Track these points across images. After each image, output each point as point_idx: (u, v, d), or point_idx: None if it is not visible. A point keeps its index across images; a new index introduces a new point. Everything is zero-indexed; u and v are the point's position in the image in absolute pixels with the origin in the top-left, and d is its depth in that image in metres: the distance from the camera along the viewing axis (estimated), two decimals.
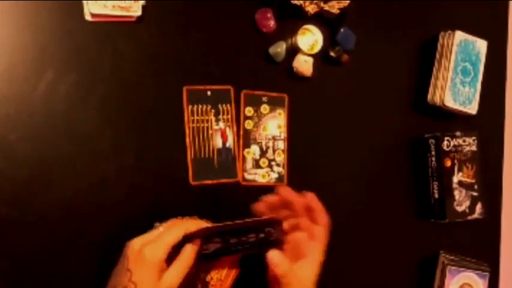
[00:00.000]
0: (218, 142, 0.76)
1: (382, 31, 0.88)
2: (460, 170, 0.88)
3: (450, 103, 0.87)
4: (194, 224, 0.65)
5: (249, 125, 0.79)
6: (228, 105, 0.77)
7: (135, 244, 0.62)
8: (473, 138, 0.90)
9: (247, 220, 0.64)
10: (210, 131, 0.76)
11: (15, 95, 0.67)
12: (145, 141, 0.73)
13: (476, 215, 0.90)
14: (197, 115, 0.76)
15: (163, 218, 0.69)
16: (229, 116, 0.77)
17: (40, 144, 0.68)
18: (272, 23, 0.79)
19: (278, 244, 0.66)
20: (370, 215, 0.87)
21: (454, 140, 0.88)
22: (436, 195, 0.88)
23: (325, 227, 0.68)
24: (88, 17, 0.70)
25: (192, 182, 0.75)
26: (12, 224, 0.66)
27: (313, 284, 0.67)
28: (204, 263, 0.71)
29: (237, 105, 0.78)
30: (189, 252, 0.64)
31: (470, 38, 0.89)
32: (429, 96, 0.89)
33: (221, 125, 0.77)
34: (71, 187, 0.69)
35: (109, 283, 0.63)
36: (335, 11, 0.81)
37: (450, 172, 0.88)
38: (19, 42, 0.67)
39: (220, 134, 0.77)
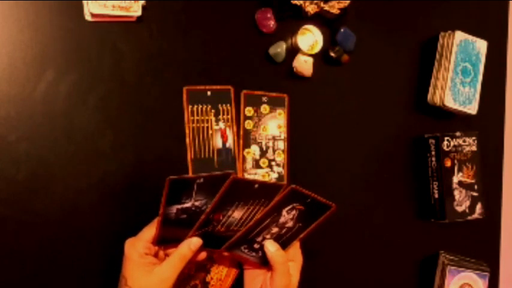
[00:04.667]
0: (218, 142, 0.76)
1: (382, 31, 0.88)
2: (460, 170, 0.88)
3: (450, 103, 0.87)
4: None
5: (249, 125, 0.79)
6: (228, 105, 0.77)
7: (127, 241, 0.64)
8: (473, 138, 0.90)
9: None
10: (210, 131, 0.76)
11: (16, 95, 0.67)
12: (145, 141, 0.73)
13: (476, 215, 0.90)
14: (197, 115, 0.76)
15: None
16: (229, 116, 0.77)
17: (40, 144, 0.68)
18: (272, 23, 0.79)
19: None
20: (370, 215, 0.87)
21: (454, 140, 0.88)
22: (436, 195, 0.88)
23: None
24: (88, 17, 0.70)
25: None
26: (12, 224, 0.66)
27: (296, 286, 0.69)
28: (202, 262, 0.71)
29: (237, 105, 0.78)
30: (185, 248, 0.64)
31: (470, 38, 0.89)
32: (429, 96, 0.89)
33: (221, 125, 0.77)
34: (71, 187, 0.69)
35: None
36: (335, 11, 0.81)
37: (450, 172, 0.88)
38: (19, 42, 0.67)
39: (220, 134, 0.77)
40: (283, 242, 0.68)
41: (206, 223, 0.64)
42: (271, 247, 0.67)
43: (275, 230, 0.66)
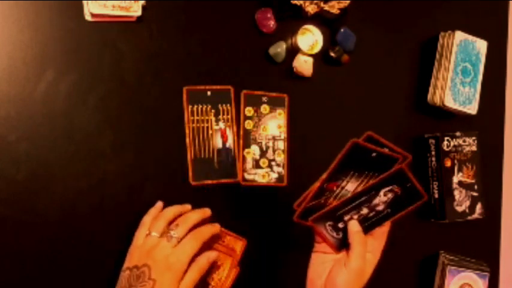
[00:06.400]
0: (218, 142, 0.76)
1: (382, 31, 0.88)
2: (460, 170, 0.88)
3: (450, 103, 0.87)
4: (207, 229, 0.69)
5: (249, 125, 0.79)
6: (228, 105, 0.77)
7: (157, 255, 0.64)
8: (473, 138, 0.90)
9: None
10: (210, 131, 0.76)
11: (16, 95, 0.67)
12: (145, 141, 0.73)
13: (476, 215, 0.90)
14: (197, 115, 0.76)
15: None
16: (229, 116, 0.77)
17: (40, 144, 0.68)
18: (272, 23, 0.79)
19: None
20: None
21: (454, 140, 0.88)
22: (436, 195, 0.88)
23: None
24: (88, 17, 0.70)
25: (192, 182, 0.75)
26: (12, 224, 0.66)
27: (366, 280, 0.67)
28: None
29: (237, 105, 0.78)
30: (203, 262, 0.67)
31: (470, 38, 0.89)
32: (429, 96, 0.89)
33: (221, 125, 0.77)
34: (71, 187, 0.69)
35: None
36: (335, 11, 0.81)
37: (450, 172, 0.88)
38: (19, 42, 0.67)
39: (220, 134, 0.77)
40: (367, 227, 0.67)
41: (320, 193, 0.65)
42: (354, 227, 0.66)
43: (365, 211, 0.66)
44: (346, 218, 0.67)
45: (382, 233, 0.68)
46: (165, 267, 0.63)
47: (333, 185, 0.65)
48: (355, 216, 0.67)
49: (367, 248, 0.67)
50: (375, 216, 0.67)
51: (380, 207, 0.66)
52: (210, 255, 0.68)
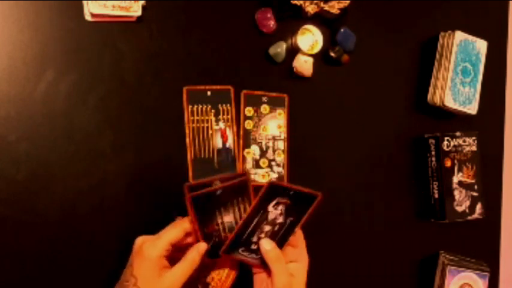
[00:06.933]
0: (218, 142, 0.76)
1: (382, 31, 0.89)
2: (460, 170, 0.88)
3: (450, 103, 0.87)
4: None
5: (249, 125, 0.79)
6: (228, 105, 0.77)
7: (139, 240, 0.63)
8: (473, 138, 0.90)
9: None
10: (210, 131, 0.76)
11: (16, 95, 0.67)
12: (145, 141, 0.73)
13: (476, 215, 0.90)
14: (197, 115, 0.76)
15: (162, 218, 0.69)
16: (229, 116, 0.77)
17: (40, 144, 0.68)
18: (272, 23, 0.79)
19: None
20: (370, 214, 0.87)
21: (454, 140, 0.88)
22: (436, 195, 0.88)
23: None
24: (88, 17, 0.70)
25: (192, 182, 0.75)
26: (12, 224, 0.66)
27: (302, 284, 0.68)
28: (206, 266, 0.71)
29: (237, 105, 0.78)
30: (194, 255, 0.65)
31: (470, 38, 0.89)
32: (429, 96, 0.89)
33: (221, 125, 0.77)
34: (71, 187, 0.69)
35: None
36: (335, 11, 0.81)
37: (450, 172, 0.88)
38: (19, 42, 0.67)
39: (220, 134, 0.77)
40: (280, 240, 0.67)
41: (209, 237, 0.66)
42: (266, 245, 0.66)
43: (268, 228, 0.66)
44: (254, 239, 0.67)
45: (297, 238, 0.68)
46: (139, 252, 0.62)
47: (212, 227, 0.65)
48: (262, 235, 0.67)
49: (290, 258, 0.67)
50: (281, 228, 0.67)
51: (280, 220, 0.66)
52: (200, 247, 0.65)
